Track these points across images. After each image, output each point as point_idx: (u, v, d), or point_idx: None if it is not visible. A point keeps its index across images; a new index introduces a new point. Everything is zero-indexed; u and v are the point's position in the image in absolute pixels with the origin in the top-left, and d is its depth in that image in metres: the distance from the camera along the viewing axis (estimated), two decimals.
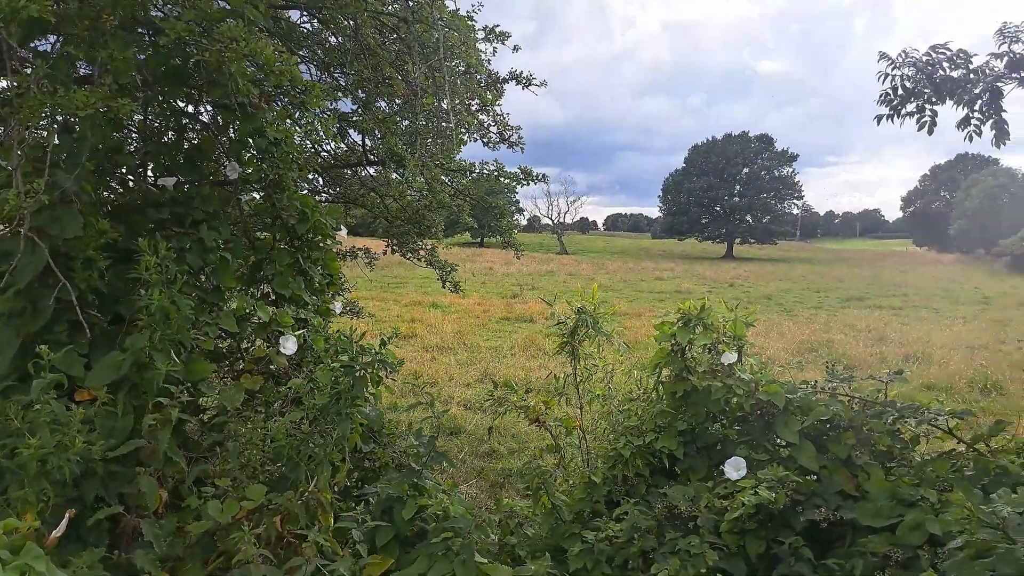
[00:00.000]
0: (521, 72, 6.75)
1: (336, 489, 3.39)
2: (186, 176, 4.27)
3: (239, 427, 3.17)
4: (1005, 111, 4.69)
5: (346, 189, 8.34)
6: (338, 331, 3.72)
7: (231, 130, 4.39)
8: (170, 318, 3.10)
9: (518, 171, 7.17)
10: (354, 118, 6.30)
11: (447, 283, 7.95)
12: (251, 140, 4.19)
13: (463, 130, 6.37)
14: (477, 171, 7.33)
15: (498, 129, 6.82)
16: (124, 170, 4.26)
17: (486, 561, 3.27)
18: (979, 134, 4.77)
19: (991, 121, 4.71)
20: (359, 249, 8.61)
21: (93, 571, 2.45)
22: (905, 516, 3.53)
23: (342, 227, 4.83)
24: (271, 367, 3.87)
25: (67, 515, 2.66)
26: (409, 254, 7.99)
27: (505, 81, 6.82)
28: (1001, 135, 4.71)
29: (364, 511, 3.04)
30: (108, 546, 2.79)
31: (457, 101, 5.76)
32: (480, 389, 11.32)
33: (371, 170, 8.02)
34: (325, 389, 3.28)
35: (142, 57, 3.89)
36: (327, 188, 8.44)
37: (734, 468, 3.97)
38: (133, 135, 4.70)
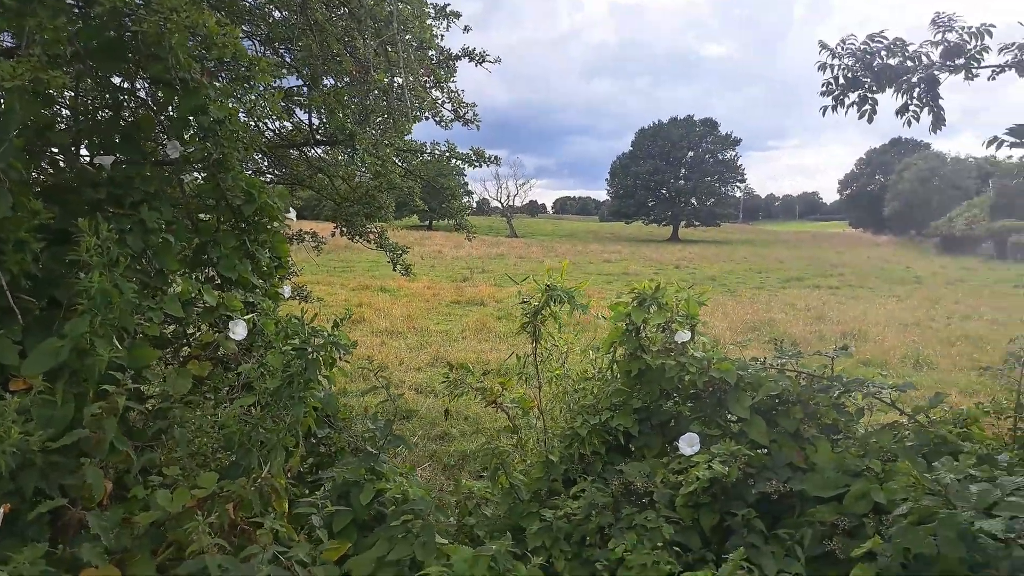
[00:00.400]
0: (474, 49, 6.67)
1: (290, 474, 3.32)
2: (124, 155, 4.08)
3: (187, 414, 3.07)
4: (941, 98, 4.84)
5: (292, 170, 8.12)
6: (289, 315, 3.62)
7: (171, 107, 4.20)
8: (112, 302, 2.96)
9: (470, 152, 7.09)
10: (300, 96, 6.12)
11: (398, 266, 7.84)
12: (193, 118, 4.01)
13: (417, 106, 6.25)
14: (429, 152, 7.22)
15: (452, 106, 6.71)
16: (56, 149, 4.04)
17: (446, 542, 3.26)
18: (917, 120, 4.91)
19: (928, 108, 4.85)
20: (306, 232, 8.42)
21: (36, 567, 2.33)
22: (851, 486, 3.64)
23: (291, 209, 4.70)
24: (219, 353, 3.75)
25: (2, 509, 2.53)
26: (358, 237, 7.84)
27: (458, 58, 6.72)
28: (938, 121, 4.86)
29: (322, 496, 2.98)
30: (51, 540, 2.67)
31: (412, 78, 5.64)
32: (431, 373, 11.27)
33: (319, 150, 7.82)
34: (277, 373, 3.19)
35: (74, 29, 3.68)
36: (272, 169, 8.22)
37: (688, 444, 4.04)
38: (65, 112, 4.47)
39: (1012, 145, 4.52)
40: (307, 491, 3.57)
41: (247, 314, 3.80)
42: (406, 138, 7.01)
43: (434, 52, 6.50)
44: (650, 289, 4.60)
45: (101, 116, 4.32)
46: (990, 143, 4.63)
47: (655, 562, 3.40)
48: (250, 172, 6.55)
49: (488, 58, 6.86)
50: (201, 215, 4.41)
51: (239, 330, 3.62)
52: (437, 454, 7.57)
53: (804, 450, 4.08)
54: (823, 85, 5.04)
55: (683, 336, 4.50)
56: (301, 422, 3.24)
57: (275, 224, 4.36)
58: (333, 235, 7.98)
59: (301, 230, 8.18)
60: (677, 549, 3.65)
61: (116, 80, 4.37)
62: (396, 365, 11.62)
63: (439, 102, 6.74)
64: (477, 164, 7.13)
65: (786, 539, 3.60)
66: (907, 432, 4.14)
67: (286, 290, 4.59)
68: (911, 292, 25.04)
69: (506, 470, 4.16)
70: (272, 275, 4.44)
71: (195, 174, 4.51)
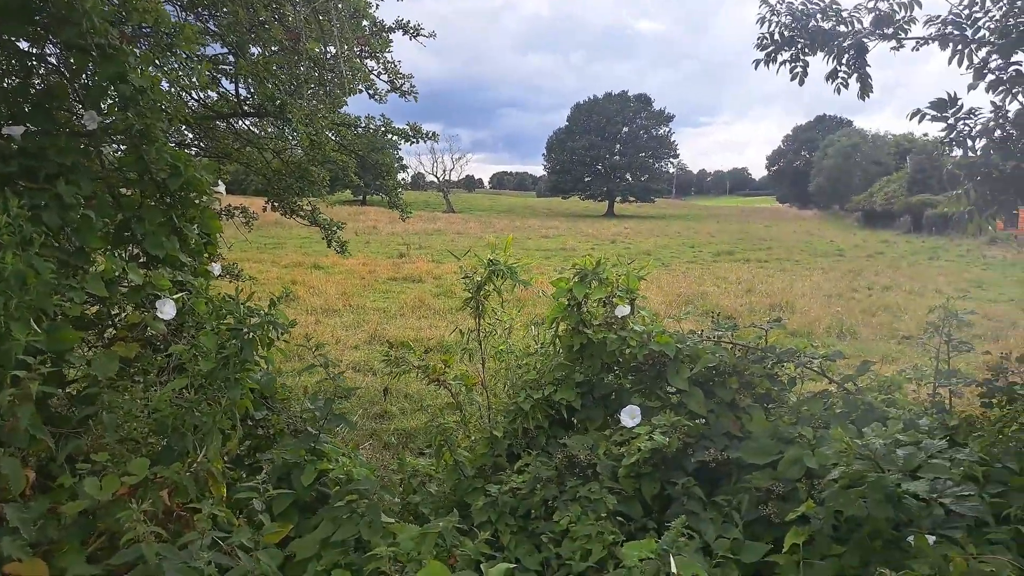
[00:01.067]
0: (408, 21, 6.49)
1: (227, 458, 3.21)
2: (36, 125, 3.82)
3: (115, 399, 2.92)
4: (869, 66, 4.97)
5: (219, 142, 7.78)
6: (223, 293, 3.47)
7: (86, 75, 3.95)
8: (27, 283, 2.77)
9: (407, 128, 6.94)
10: (226, 64, 5.85)
11: (333, 243, 7.65)
12: (112, 86, 3.78)
13: (351, 77, 6.05)
14: (363, 126, 7.03)
15: (389, 78, 6.53)
16: None
17: (392, 521, 3.22)
18: (846, 86, 5.03)
19: (856, 75, 4.98)
20: (235, 208, 8.12)
21: None
22: (784, 453, 3.76)
23: (220, 183, 4.49)
24: (148, 334, 3.58)
25: None
26: (291, 213, 7.60)
27: (391, 30, 6.53)
28: (865, 88, 4.98)
29: (263, 479, 2.89)
30: None
31: (346, 48, 5.44)
32: (369, 351, 11.12)
33: (247, 122, 7.52)
34: (211, 354, 3.06)
35: None
36: (197, 141, 7.86)
37: (629, 416, 4.10)
38: None
39: (933, 118, 4.71)
40: (245, 475, 3.46)
41: (176, 293, 3.63)
42: (340, 111, 6.81)
43: (367, 22, 6.29)
44: (591, 264, 4.62)
45: (8, 83, 4.03)
46: (913, 115, 4.80)
47: (599, 532, 3.45)
48: (174, 144, 6.23)
49: (422, 31, 6.69)
50: (124, 190, 4.18)
51: (167, 309, 3.45)
52: (377, 432, 7.50)
53: (740, 419, 4.20)
54: (758, 39, 5.08)
55: (623, 310, 4.55)
56: (238, 404, 3.12)
57: (204, 199, 4.15)
58: (265, 210, 7.71)
59: (231, 205, 7.87)
60: (620, 519, 3.72)
61: (24, 45, 4.08)
62: (332, 344, 11.41)
63: (374, 73, 6.55)
64: (414, 140, 6.99)
65: (724, 505, 3.70)
66: (836, 400, 4.31)
67: (216, 268, 4.40)
68: (834, 265, 26.08)
69: (450, 447, 4.14)
70: (201, 252, 4.24)
71: (115, 146, 4.26)
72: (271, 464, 3.37)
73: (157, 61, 4.19)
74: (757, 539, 3.49)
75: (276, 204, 7.48)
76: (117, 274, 3.46)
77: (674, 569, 2.64)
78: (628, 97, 78.40)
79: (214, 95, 6.83)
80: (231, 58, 5.94)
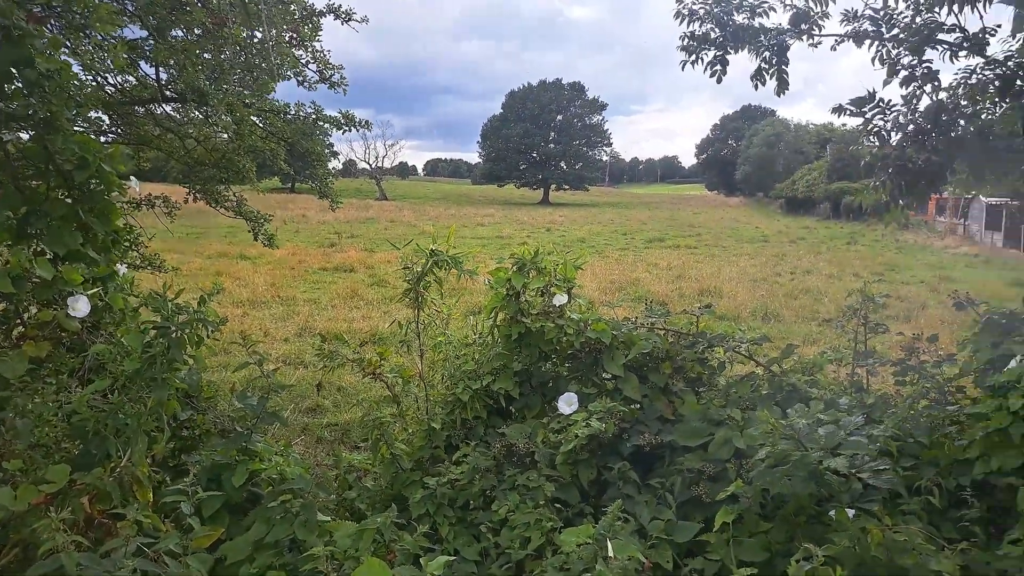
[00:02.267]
0: (339, 6, 6.31)
1: (153, 461, 3.08)
2: None
3: (27, 401, 2.75)
4: (788, 63, 5.13)
5: (138, 129, 7.42)
6: (150, 289, 3.30)
7: None
8: None
9: (339, 115, 6.78)
10: (145, 46, 5.56)
11: (260, 235, 7.43)
12: (16, 71, 3.53)
13: (279, 63, 5.84)
14: (293, 113, 6.82)
15: (318, 67, 6.35)
16: None
17: (328, 519, 3.16)
18: (763, 83, 5.19)
19: (774, 72, 5.14)
20: (156, 197, 7.78)
21: None
22: (715, 434, 3.88)
23: (132, 177, 4.25)
24: (61, 333, 3.38)
25: None
26: (215, 203, 7.33)
27: (322, 15, 6.34)
28: (782, 85, 5.16)
29: (191, 482, 2.78)
30: None
31: (274, 32, 5.25)
32: (300, 344, 10.89)
33: (167, 108, 7.19)
34: (135, 353, 2.92)
35: None
36: (114, 128, 7.47)
37: (567, 403, 4.14)
38: None
39: (852, 114, 4.91)
40: (169, 478, 3.33)
41: (90, 289, 3.44)
42: (269, 98, 6.58)
43: (296, 6, 6.09)
44: (529, 254, 4.62)
45: None
46: (835, 110, 5.00)
47: (537, 520, 3.48)
48: (90, 132, 5.88)
49: (355, 16, 6.53)
50: (30, 182, 3.91)
51: (80, 306, 3.27)
52: (310, 427, 7.36)
53: (673, 403, 4.30)
54: (681, 39, 5.18)
55: (561, 299, 4.58)
56: (165, 405, 2.99)
57: (112, 192, 3.89)
58: (187, 201, 7.39)
59: (151, 194, 7.53)
60: (558, 505, 3.76)
61: None
62: (261, 336, 11.11)
63: (303, 61, 6.34)
64: (347, 128, 6.84)
65: (658, 488, 3.80)
66: (763, 382, 4.46)
67: (121, 269, 4.12)
68: (759, 250, 26.95)
69: (387, 440, 4.09)
70: (109, 249, 3.98)
71: (20, 134, 3.99)
72: (199, 466, 3.25)
73: (69, 43, 3.93)
74: (689, 519, 3.59)
75: (199, 194, 7.19)
76: (25, 269, 3.25)
77: (611, 553, 2.68)
78: (562, 85, 78.81)
79: (132, 80, 6.49)
80: (151, 41, 5.64)
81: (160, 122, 7.22)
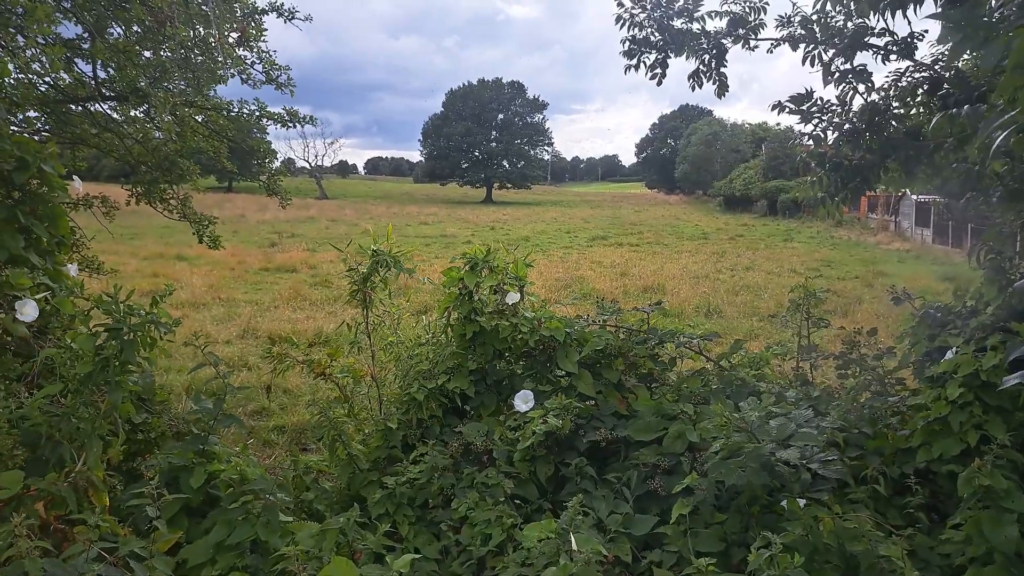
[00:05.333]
0: (282, 4, 6.20)
1: (108, 465, 2.98)
2: None
3: None
4: (726, 66, 5.29)
5: (72, 127, 7.11)
6: (101, 292, 3.18)
7: None
8: None
9: (283, 112, 6.66)
10: (82, 41, 5.33)
11: (204, 238, 7.23)
12: None
13: (224, 64, 5.70)
14: (236, 110, 6.67)
15: (264, 68, 6.21)
16: None
17: (291, 520, 3.13)
18: (701, 85, 5.34)
19: (713, 76, 5.30)
20: (94, 197, 7.48)
21: None
22: (668, 429, 3.99)
23: (75, 177, 4.09)
24: (6, 337, 3.24)
25: None
26: (158, 204, 7.11)
27: (264, 12, 6.22)
28: (722, 88, 5.32)
29: (156, 485, 2.71)
30: None
31: (217, 33, 5.11)
32: (242, 345, 10.66)
33: (105, 106, 6.92)
34: (87, 356, 2.82)
35: None
36: (49, 127, 7.14)
37: (523, 401, 4.19)
38: None
39: (791, 111, 5.09)
40: (123, 482, 3.23)
41: (37, 293, 3.30)
42: (210, 95, 6.41)
43: (239, 5, 5.95)
44: (481, 253, 4.65)
45: None
46: (774, 107, 5.17)
47: (498, 517, 3.52)
48: (24, 131, 5.60)
49: (298, 14, 6.43)
50: None
51: (28, 310, 3.15)
52: (257, 430, 7.21)
53: (626, 399, 4.40)
54: (622, 43, 5.28)
55: (513, 297, 4.62)
56: (119, 408, 2.91)
57: (56, 194, 3.75)
58: (128, 203, 7.13)
59: (88, 194, 7.24)
60: (517, 502, 3.80)
61: None
62: (203, 339, 10.82)
63: (249, 62, 6.20)
64: (291, 124, 6.72)
65: (614, 482, 3.88)
66: (712, 377, 4.59)
67: (72, 269, 3.99)
68: (700, 247, 27.56)
69: (343, 440, 4.06)
70: (53, 252, 3.83)
71: None
72: (155, 469, 3.16)
73: (2, 42, 3.74)
74: (646, 512, 3.69)
75: (140, 195, 6.95)
76: None
77: (574, 546, 2.73)
78: (503, 84, 78.96)
79: (67, 78, 6.23)
80: (87, 38, 5.42)
81: (97, 120, 6.94)
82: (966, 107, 3.37)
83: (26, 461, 2.71)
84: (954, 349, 3.59)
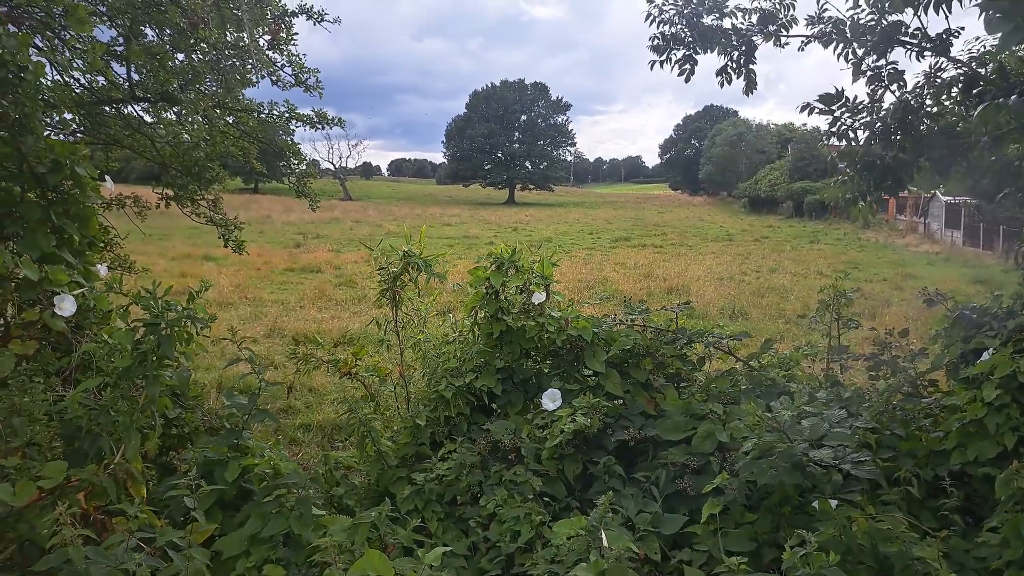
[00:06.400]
0: (311, 6, 6.27)
1: (144, 458, 3.05)
2: None
3: (19, 399, 2.70)
4: (755, 63, 5.25)
5: (106, 129, 7.24)
6: (140, 287, 3.25)
7: None
8: None
9: (312, 113, 6.73)
10: (116, 45, 5.43)
11: (230, 242, 7.34)
12: None
13: (255, 67, 5.78)
14: (267, 112, 6.75)
15: (293, 71, 6.29)
16: None
17: (323, 513, 3.17)
18: (730, 82, 5.30)
19: (743, 72, 5.26)
20: (127, 197, 7.62)
21: None
22: (698, 428, 3.97)
23: (107, 178, 4.17)
24: (46, 332, 3.31)
25: None
26: (189, 206, 7.22)
27: (294, 15, 6.29)
28: (750, 85, 5.28)
29: (194, 476, 2.77)
30: None
31: (247, 38, 5.17)
32: (269, 344, 10.79)
33: (137, 108, 7.03)
34: (126, 351, 2.89)
35: None
36: (83, 129, 7.28)
37: (551, 399, 4.19)
38: None
39: (820, 112, 5.04)
40: (159, 475, 3.30)
41: (75, 289, 3.37)
42: (240, 97, 6.50)
43: (270, 8, 6.03)
44: (507, 253, 4.66)
45: None
46: (803, 108, 5.12)
47: (527, 514, 3.52)
48: (58, 133, 5.71)
49: (327, 16, 6.49)
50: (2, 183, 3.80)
51: (67, 306, 3.22)
52: (283, 428, 7.30)
53: (655, 398, 4.38)
54: (651, 40, 5.26)
55: (539, 297, 4.63)
56: (156, 402, 2.97)
57: (88, 195, 3.82)
58: (159, 206, 7.26)
59: (121, 194, 7.38)
60: (545, 499, 3.81)
61: None
62: (230, 338, 10.95)
63: (279, 64, 6.28)
64: (320, 126, 6.80)
65: (643, 481, 3.87)
66: (741, 377, 4.56)
67: (102, 269, 4.05)
68: (724, 249, 27.36)
69: (373, 437, 4.09)
70: (84, 252, 3.90)
71: None
72: (187, 463, 3.22)
73: (40, 44, 3.81)
74: (675, 512, 3.67)
75: (171, 198, 7.06)
76: (9, 270, 3.19)
77: (605, 543, 2.73)
78: (526, 85, 78.97)
79: (102, 79, 6.35)
80: (121, 40, 5.51)
81: (130, 122, 7.06)
82: (1013, 97, 3.29)
83: (65, 453, 2.78)
84: (990, 350, 3.53)
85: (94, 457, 2.80)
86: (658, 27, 5.21)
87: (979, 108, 3.55)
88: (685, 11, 5.14)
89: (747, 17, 5.08)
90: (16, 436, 2.64)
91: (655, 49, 5.29)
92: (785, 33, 5.06)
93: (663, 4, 5.16)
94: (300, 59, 6.36)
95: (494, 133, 76.46)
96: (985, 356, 3.51)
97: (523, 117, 78.42)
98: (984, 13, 3.49)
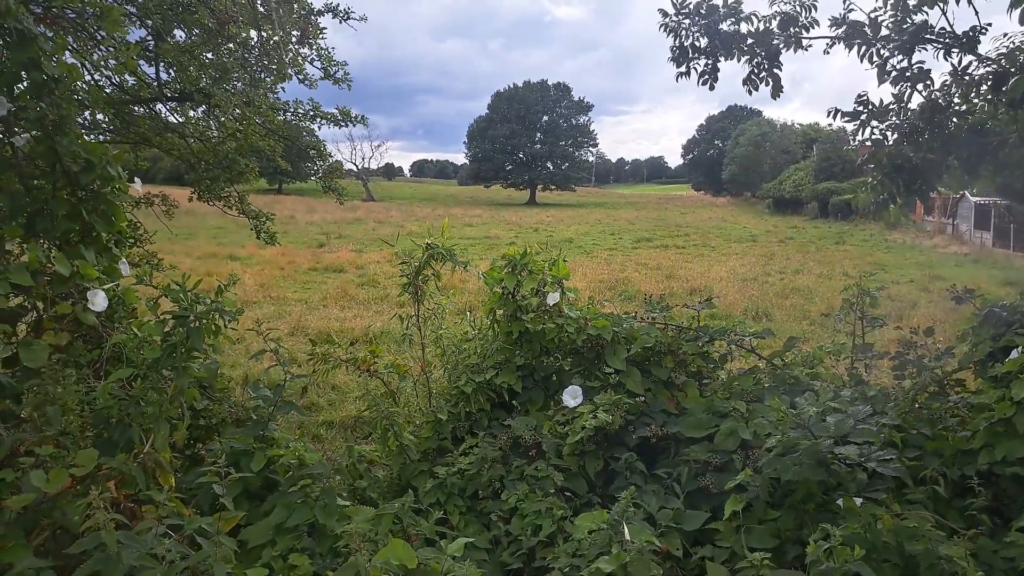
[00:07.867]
0: (337, 4, 6.34)
1: (173, 448, 3.12)
2: None
3: (53, 389, 2.78)
4: (780, 67, 5.21)
5: (135, 128, 7.39)
6: (170, 280, 3.33)
7: None
8: None
9: (336, 111, 6.80)
10: (146, 44, 5.55)
11: (262, 234, 7.45)
12: (25, 73, 3.53)
13: (285, 63, 5.86)
14: (292, 110, 6.85)
15: (322, 64, 6.37)
16: None
17: (348, 504, 3.21)
18: (756, 88, 5.26)
19: (767, 78, 5.22)
20: (155, 196, 7.77)
21: None
22: (720, 426, 3.96)
23: (135, 179, 4.26)
24: (78, 325, 3.39)
25: None
26: (218, 201, 7.34)
27: (320, 13, 6.37)
28: (776, 89, 5.24)
29: (223, 464, 2.83)
30: None
31: (282, 33, 5.25)
32: (292, 342, 10.89)
33: (166, 106, 7.18)
34: (156, 343, 2.96)
35: None
36: (114, 127, 7.43)
37: (572, 396, 4.20)
38: None
39: (845, 118, 5.00)
40: (186, 465, 3.37)
41: (104, 284, 3.45)
42: (267, 96, 6.60)
43: (298, 6, 6.12)
44: (518, 255, 4.68)
45: None
46: (829, 113, 5.10)
47: (548, 508, 3.54)
48: (90, 135, 5.83)
49: (353, 15, 6.56)
50: (36, 181, 3.90)
51: (99, 300, 3.30)
52: (305, 425, 7.37)
53: (676, 396, 4.37)
54: (671, 51, 5.24)
55: (554, 298, 4.63)
56: (185, 393, 3.03)
57: (117, 194, 3.91)
58: (191, 200, 7.39)
59: (149, 193, 7.53)
60: (567, 495, 3.82)
61: None
62: (253, 336, 11.09)
63: (306, 59, 6.37)
64: (344, 124, 6.87)
65: (665, 478, 3.87)
66: (764, 375, 4.53)
67: (124, 267, 4.13)
68: (748, 250, 27.12)
69: (396, 431, 4.14)
70: (110, 249, 3.99)
71: (26, 134, 3.98)
72: (213, 454, 3.28)
73: (74, 45, 3.90)
74: (697, 509, 3.66)
75: (202, 193, 7.19)
76: (44, 264, 3.28)
77: (627, 536, 2.74)
78: (548, 86, 78.89)
79: (131, 79, 6.48)
80: (151, 40, 5.62)
81: (160, 120, 7.20)
82: None
83: (96, 442, 2.85)
84: (1020, 348, 3.48)
85: (124, 446, 2.86)
86: (675, 39, 5.18)
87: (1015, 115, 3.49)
88: (701, 22, 5.11)
89: (767, 23, 5.04)
90: (49, 425, 2.71)
91: (675, 61, 5.27)
92: (806, 35, 5.01)
93: (676, 15, 5.14)
94: (329, 52, 6.43)
95: (516, 134, 76.47)
96: (1014, 354, 3.45)
97: (545, 118, 78.35)
98: (1016, 8, 3.45)
